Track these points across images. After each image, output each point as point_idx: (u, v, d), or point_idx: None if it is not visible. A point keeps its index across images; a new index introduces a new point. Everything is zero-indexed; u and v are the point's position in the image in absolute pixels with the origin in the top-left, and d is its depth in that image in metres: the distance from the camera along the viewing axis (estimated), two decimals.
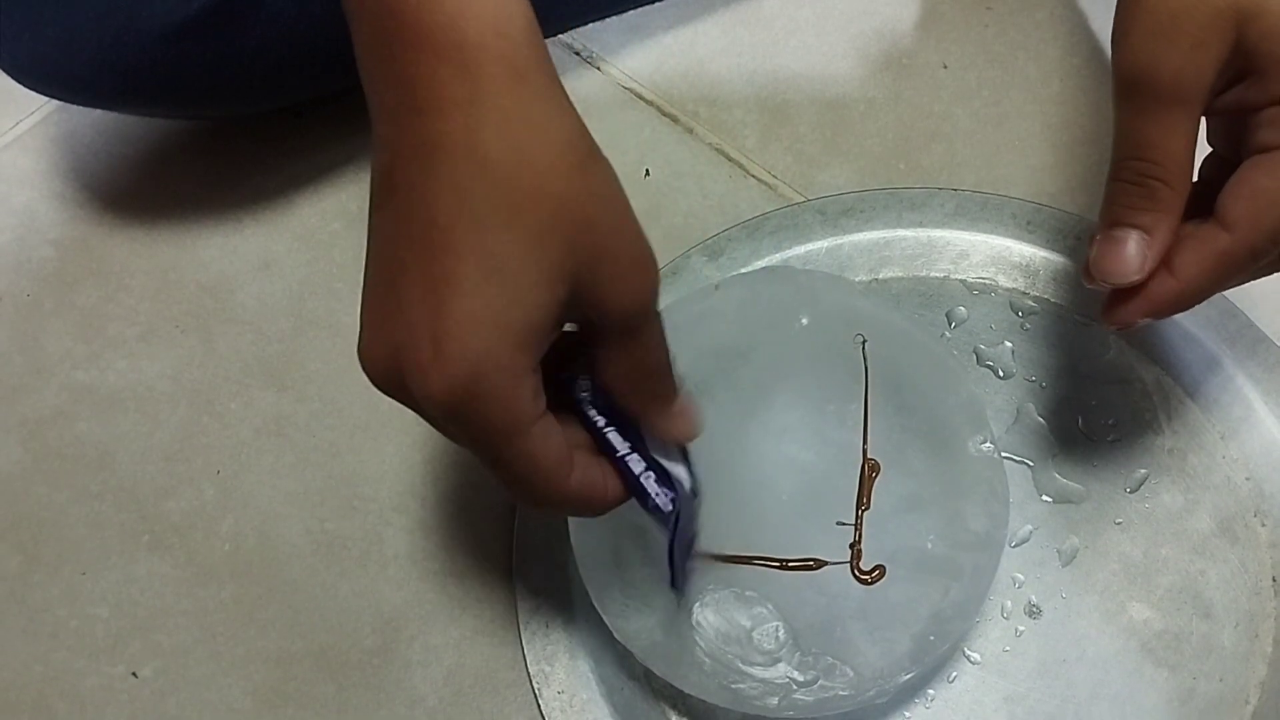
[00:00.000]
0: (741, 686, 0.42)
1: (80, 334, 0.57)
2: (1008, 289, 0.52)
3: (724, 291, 0.48)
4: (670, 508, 0.35)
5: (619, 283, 0.31)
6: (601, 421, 0.34)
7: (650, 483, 0.35)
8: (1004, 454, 0.48)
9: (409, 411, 0.32)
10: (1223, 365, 0.49)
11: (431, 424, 0.32)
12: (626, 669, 0.46)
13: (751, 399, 0.46)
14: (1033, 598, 0.46)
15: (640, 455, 0.35)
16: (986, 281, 0.52)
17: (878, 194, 0.54)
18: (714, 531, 0.42)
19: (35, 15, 0.50)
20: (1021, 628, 0.46)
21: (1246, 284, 0.39)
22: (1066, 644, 0.45)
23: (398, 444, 0.52)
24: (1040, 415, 0.49)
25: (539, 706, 0.46)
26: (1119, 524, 0.47)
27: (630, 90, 0.61)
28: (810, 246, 0.54)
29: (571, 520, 0.45)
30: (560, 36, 0.63)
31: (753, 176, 0.58)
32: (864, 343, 0.46)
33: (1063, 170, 0.56)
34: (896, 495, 0.44)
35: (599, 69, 0.62)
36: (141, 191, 0.61)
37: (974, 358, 0.51)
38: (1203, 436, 0.48)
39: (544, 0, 0.32)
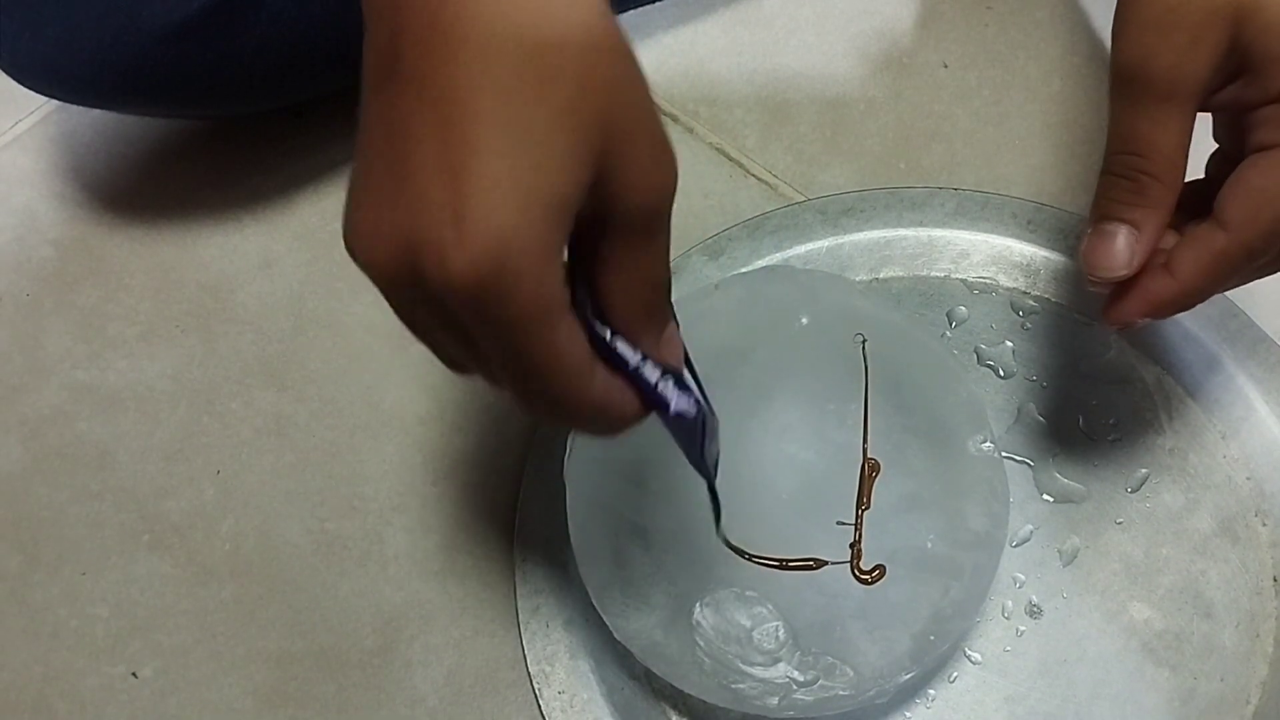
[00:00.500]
0: (741, 686, 0.42)
1: (80, 334, 0.57)
2: (1008, 288, 0.52)
3: (724, 291, 0.48)
4: (695, 410, 0.33)
5: (643, 175, 0.29)
6: (608, 333, 0.31)
7: (670, 388, 0.32)
8: (1004, 453, 0.48)
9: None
10: (1223, 365, 0.49)
11: (435, 319, 0.29)
12: (626, 669, 0.46)
13: (751, 398, 0.46)
14: (1033, 597, 0.46)
15: (654, 364, 0.32)
16: (987, 281, 0.52)
17: (878, 193, 0.54)
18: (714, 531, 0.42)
19: (35, 15, 0.50)
20: (1022, 627, 0.46)
21: (1247, 284, 0.39)
22: (1067, 644, 0.45)
23: (398, 444, 0.52)
24: (1041, 415, 0.49)
25: (539, 706, 0.46)
26: (1120, 524, 0.47)
27: None
28: (811, 246, 0.54)
29: (571, 520, 0.45)
30: None
31: (753, 176, 0.58)
32: (864, 342, 0.46)
33: (1063, 169, 0.56)
34: (896, 495, 0.44)
35: None
36: (141, 191, 0.60)
37: (974, 357, 0.51)
38: (1203, 436, 0.48)
39: None
